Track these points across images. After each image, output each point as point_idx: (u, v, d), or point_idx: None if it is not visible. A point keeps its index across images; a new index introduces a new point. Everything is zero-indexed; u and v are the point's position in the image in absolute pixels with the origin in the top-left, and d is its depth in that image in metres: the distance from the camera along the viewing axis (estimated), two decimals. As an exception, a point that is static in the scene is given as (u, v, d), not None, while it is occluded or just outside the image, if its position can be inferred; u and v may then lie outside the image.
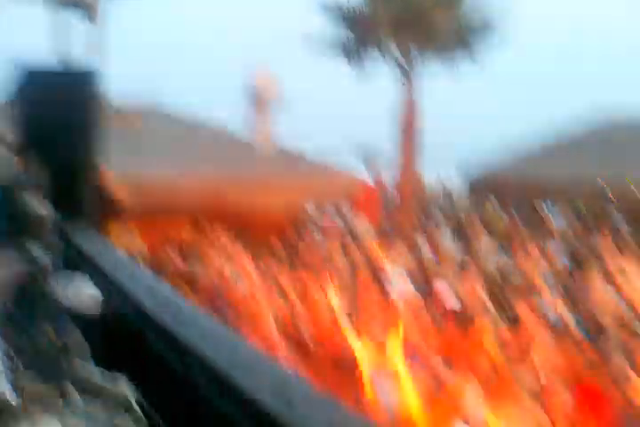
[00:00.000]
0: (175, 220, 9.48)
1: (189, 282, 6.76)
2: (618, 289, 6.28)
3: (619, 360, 4.67)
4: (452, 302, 6.68)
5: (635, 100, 15.20)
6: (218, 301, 6.06)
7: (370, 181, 12.17)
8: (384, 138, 13.21)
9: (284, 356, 4.71)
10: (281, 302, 5.47)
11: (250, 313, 5.00)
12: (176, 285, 6.46)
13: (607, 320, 5.62)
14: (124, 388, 1.18)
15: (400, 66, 12.58)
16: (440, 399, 3.52)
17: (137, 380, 1.28)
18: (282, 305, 5.45)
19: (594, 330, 5.45)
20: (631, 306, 5.69)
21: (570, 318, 5.81)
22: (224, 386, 1.21)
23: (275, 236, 9.64)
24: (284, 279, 5.71)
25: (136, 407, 1.14)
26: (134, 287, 1.97)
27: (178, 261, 7.68)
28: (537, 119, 17.54)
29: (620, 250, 9.56)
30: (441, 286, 6.99)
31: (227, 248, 7.75)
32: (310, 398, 1.15)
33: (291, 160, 11.67)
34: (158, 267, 7.28)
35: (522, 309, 6.20)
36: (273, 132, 12.03)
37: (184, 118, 11.76)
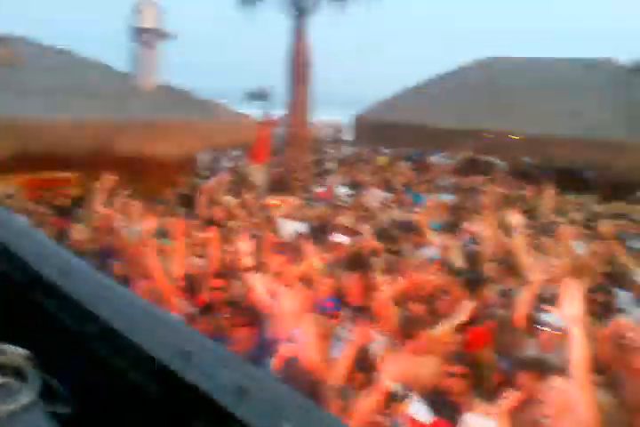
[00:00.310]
0: (58, 169, 8.93)
1: (72, 236, 6.46)
2: (496, 237, 6.68)
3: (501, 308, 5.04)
4: (345, 248, 6.85)
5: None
6: (108, 255, 5.85)
7: (261, 123, 12.00)
8: (275, 80, 13.03)
9: (184, 310, 4.66)
10: (177, 254, 5.36)
11: (143, 266, 4.85)
12: (58, 239, 6.16)
13: (489, 266, 6.01)
14: (17, 354, 1.10)
15: (292, 8, 12.28)
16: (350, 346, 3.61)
17: (27, 343, 1.21)
18: (178, 256, 5.34)
19: (479, 274, 5.80)
20: (510, 252, 6.09)
21: (457, 264, 6.15)
22: (120, 344, 1.16)
23: (167, 183, 9.37)
24: (180, 230, 5.57)
25: (31, 374, 1.07)
26: (17, 243, 1.83)
27: (61, 214, 7.29)
28: (440, 64, 17.90)
29: (500, 195, 10.15)
30: (336, 233, 7.14)
31: (116, 198, 7.43)
32: (211, 353, 1.13)
33: (180, 99, 11.20)
34: (39, 221, 6.89)
35: (413, 255, 6.47)
36: (159, 69, 11.44)
37: (63, 54, 10.91)
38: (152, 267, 4.69)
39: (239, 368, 1.06)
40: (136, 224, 6.04)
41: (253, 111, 13.01)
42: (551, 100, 13.45)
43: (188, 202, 8.70)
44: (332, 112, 22.11)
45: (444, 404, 3.52)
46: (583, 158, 12.71)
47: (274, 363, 3.63)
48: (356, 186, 11.23)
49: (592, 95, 13.44)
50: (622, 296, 5.96)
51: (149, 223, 5.12)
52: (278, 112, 12.82)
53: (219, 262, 5.54)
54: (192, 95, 11.42)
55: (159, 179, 9.48)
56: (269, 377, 1.11)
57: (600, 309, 5.57)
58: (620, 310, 5.46)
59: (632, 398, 3.72)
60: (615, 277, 6.26)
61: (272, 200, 8.92)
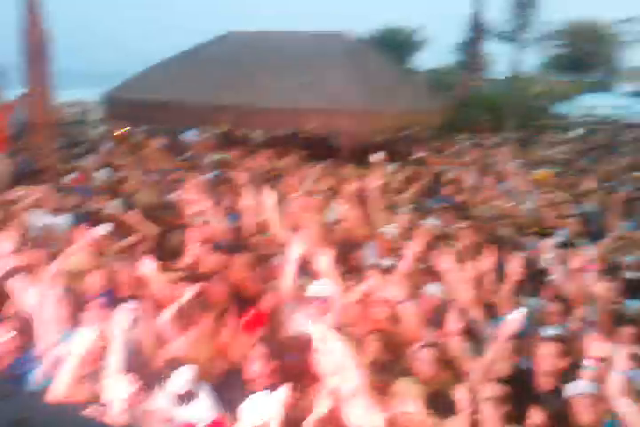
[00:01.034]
0: None
1: None
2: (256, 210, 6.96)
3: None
4: (111, 237, 6.66)
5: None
6: None
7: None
8: (10, 57, 11.74)
9: None
10: None
11: None
12: None
13: (253, 240, 6.33)
14: None
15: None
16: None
17: None
18: None
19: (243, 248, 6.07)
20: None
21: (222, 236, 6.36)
22: None
23: None
24: None
25: None
26: None
27: None
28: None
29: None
30: (98, 221, 6.87)
31: None
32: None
33: None
34: None
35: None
36: None
37: None
38: None
39: (12, 400, 1.05)
40: None
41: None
42: (293, 72, 14.05)
43: None
44: (80, 91, 20.60)
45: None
46: (328, 127, 13.66)
47: (36, 376, 3.44)
48: (112, 168, 10.76)
49: (330, 67, 14.36)
50: (369, 250, 6.69)
51: None
52: (15, 93, 11.62)
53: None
54: None
55: None
56: (47, 403, 1.13)
57: (354, 267, 6.24)
58: (369, 266, 6.14)
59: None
60: (369, 236, 6.97)
61: (18, 192, 8.19)
